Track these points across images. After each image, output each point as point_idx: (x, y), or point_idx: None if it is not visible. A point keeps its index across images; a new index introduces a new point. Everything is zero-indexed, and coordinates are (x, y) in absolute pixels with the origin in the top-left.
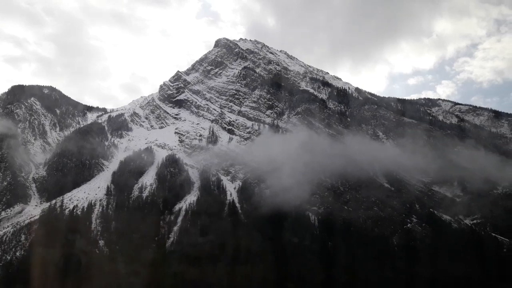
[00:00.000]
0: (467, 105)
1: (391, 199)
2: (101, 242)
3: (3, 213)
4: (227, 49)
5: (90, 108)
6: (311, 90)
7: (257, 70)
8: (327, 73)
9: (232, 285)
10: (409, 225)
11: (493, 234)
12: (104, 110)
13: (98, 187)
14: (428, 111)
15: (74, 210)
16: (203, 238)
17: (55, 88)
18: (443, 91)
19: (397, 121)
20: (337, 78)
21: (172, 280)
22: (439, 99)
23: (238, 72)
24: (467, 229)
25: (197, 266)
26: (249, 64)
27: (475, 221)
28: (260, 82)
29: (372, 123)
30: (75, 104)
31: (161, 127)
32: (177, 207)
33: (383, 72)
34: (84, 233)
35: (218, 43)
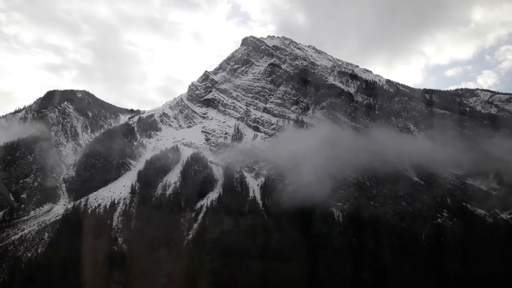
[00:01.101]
0: (507, 93)
1: (421, 193)
2: (120, 240)
3: (32, 212)
4: (254, 47)
5: (123, 111)
6: (339, 84)
7: (283, 66)
8: (357, 66)
9: (254, 282)
10: (439, 220)
11: None
12: (138, 112)
13: (124, 186)
14: (465, 101)
15: (97, 209)
16: (222, 234)
17: (88, 92)
18: (485, 81)
19: (429, 113)
20: (367, 70)
21: (187, 275)
22: (477, 89)
23: (264, 69)
24: (503, 223)
25: (215, 262)
26: (275, 61)
27: None
28: (285, 78)
29: (403, 116)
30: (108, 107)
31: (189, 127)
32: (199, 205)
33: (419, 64)
34: (105, 231)
35: (244, 42)
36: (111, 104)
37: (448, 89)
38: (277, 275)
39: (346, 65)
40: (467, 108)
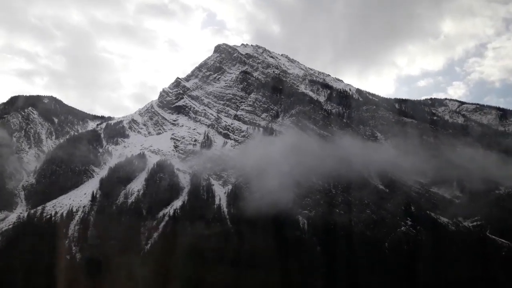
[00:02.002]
0: (474, 104)
1: (385, 201)
2: (75, 249)
3: None
4: (226, 54)
5: (93, 117)
6: (310, 93)
7: (255, 74)
8: (329, 75)
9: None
10: (403, 228)
11: (493, 237)
12: (108, 119)
13: (85, 194)
14: (434, 111)
15: (53, 217)
16: (182, 243)
17: (55, 98)
18: (455, 92)
19: (396, 122)
20: (339, 80)
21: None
22: (445, 99)
23: (236, 77)
24: (465, 231)
25: (169, 271)
26: (247, 68)
27: (474, 223)
28: (256, 85)
29: (371, 124)
30: (77, 113)
31: (159, 133)
32: (161, 213)
33: (391, 75)
34: (59, 240)
35: (217, 49)
36: (80, 110)
37: (418, 99)
38: (246, 282)
39: (318, 74)
40: (436, 118)
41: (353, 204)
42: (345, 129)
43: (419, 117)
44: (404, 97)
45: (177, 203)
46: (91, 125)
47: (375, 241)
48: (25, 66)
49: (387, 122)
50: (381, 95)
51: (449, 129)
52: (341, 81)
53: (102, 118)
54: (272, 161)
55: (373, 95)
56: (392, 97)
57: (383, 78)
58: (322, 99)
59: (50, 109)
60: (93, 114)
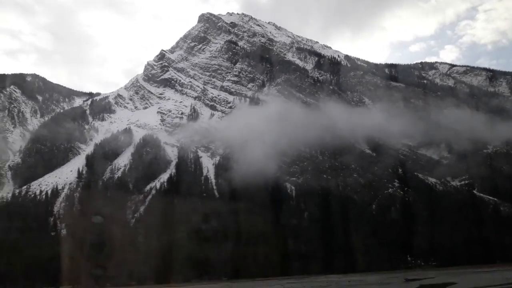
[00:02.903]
0: (465, 66)
1: (372, 165)
2: (60, 226)
3: None
4: (210, 24)
5: (80, 94)
6: (297, 61)
7: (240, 43)
8: (317, 42)
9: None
10: (390, 190)
11: (481, 194)
12: (96, 95)
13: (71, 171)
14: (424, 74)
15: (38, 196)
16: (169, 215)
17: (38, 75)
18: (447, 56)
19: (384, 86)
20: (327, 47)
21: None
22: (436, 62)
23: (221, 47)
24: (453, 190)
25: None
26: (232, 38)
27: (462, 182)
28: (242, 55)
29: (358, 90)
30: (61, 90)
31: (145, 108)
32: (148, 187)
33: (383, 41)
34: (45, 217)
35: (201, 18)
36: (65, 87)
37: (408, 64)
38: (236, 252)
39: (306, 41)
40: (425, 81)
41: (340, 169)
42: (332, 96)
43: (408, 81)
44: (396, 63)
45: (164, 176)
46: (78, 102)
47: (363, 203)
48: (11, 45)
49: (375, 87)
50: (372, 61)
51: (438, 91)
52: (330, 47)
53: (90, 94)
54: (258, 131)
55: (363, 61)
56: (384, 63)
57: (375, 44)
58: (309, 66)
59: (34, 87)
60: (81, 91)
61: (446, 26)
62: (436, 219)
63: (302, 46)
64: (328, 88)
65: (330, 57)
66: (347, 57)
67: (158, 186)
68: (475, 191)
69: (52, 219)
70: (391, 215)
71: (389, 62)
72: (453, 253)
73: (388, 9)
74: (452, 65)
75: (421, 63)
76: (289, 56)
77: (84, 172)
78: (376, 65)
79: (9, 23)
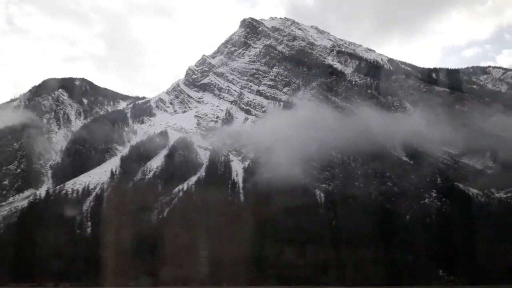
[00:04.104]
0: None
1: (409, 173)
2: (86, 224)
3: (11, 198)
4: (251, 29)
5: (127, 98)
6: (336, 64)
7: (279, 47)
8: (360, 45)
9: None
10: (426, 200)
11: None
12: (141, 99)
13: (105, 171)
14: (475, 79)
15: (70, 194)
16: (197, 219)
17: (86, 79)
18: (504, 61)
19: (428, 91)
20: (370, 50)
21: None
22: (489, 66)
23: (259, 51)
24: (497, 203)
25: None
26: (271, 42)
27: (508, 194)
28: (279, 59)
29: (400, 94)
30: (106, 94)
31: (184, 111)
32: (176, 189)
33: (435, 45)
34: (72, 217)
35: (243, 23)
36: (111, 91)
37: (457, 68)
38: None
39: (349, 44)
40: (475, 86)
41: (373, 176)
42: (369, 100)
43: (454, 86)
44: (445, 67)
45: (193, 179)
46: (122, 105)
47: (396, 214)
48: (69, 52)
49: (418, 92)
50: (420, 66)
51: (486, 97)
52: (373, 51)
53: (136, 98)
54: (288, 136)
55: (408, 64)
56: (432, 67)
57: (425, 49)
58: (349, 70)
59: (81, 91)
60: (127, 94)
61: (503, 29)
62: (476, 232)
63: (343, 49)
64: (366, 92)
65: (372, 60)
66: (390, 60)
67: (185, 188)
68: None
69: (79, 218)
70: (426, 226)
71: (439, 67)
72: (496, 271)
73: (442, 12)
74: (507, 70)
75: (473, 67)
76: (329, 60)
77: (117, 172)
78: (422, 69)
79: (68, 31)
